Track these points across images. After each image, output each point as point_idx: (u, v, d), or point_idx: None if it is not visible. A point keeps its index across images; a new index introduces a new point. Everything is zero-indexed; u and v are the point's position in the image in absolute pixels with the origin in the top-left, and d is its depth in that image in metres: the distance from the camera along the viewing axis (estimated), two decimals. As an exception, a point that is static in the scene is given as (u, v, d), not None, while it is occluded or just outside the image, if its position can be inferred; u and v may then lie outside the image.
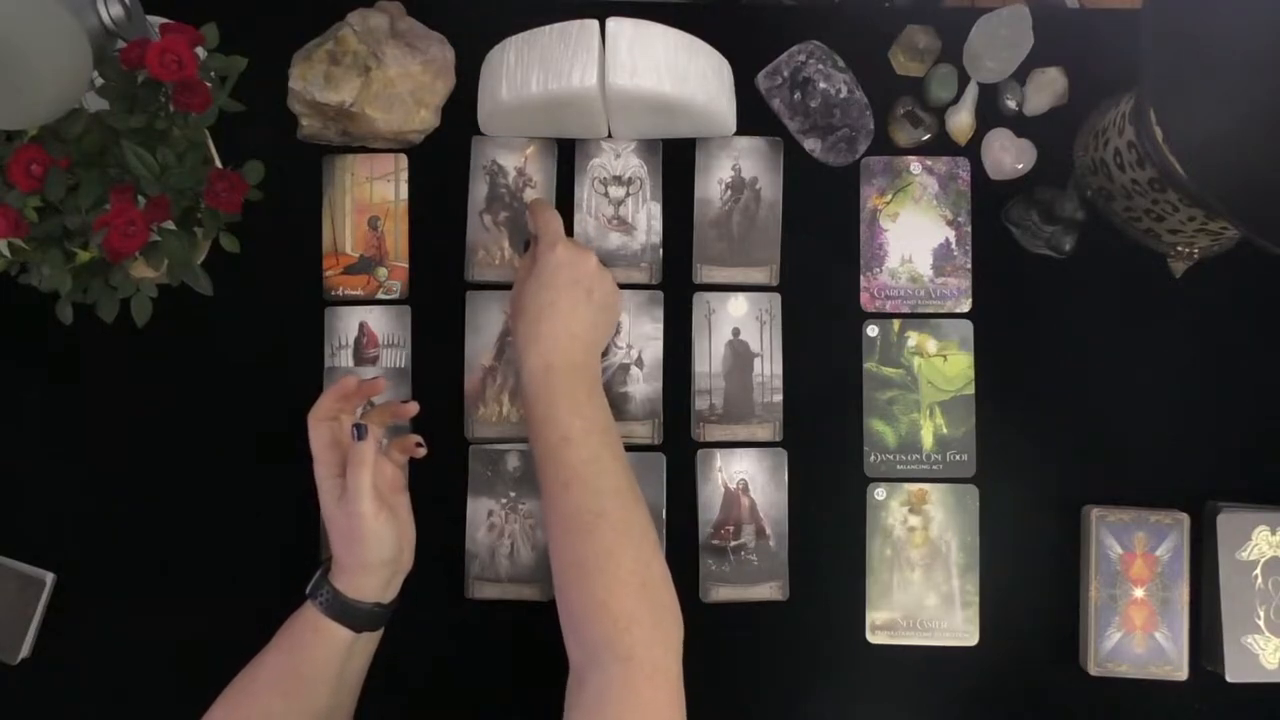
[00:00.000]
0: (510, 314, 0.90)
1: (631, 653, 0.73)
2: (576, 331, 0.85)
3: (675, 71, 0.88)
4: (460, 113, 0.96)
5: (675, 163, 0.96)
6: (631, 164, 0.94)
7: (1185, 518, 0.91)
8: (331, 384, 0.88)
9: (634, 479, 0.81)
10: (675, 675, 0.74)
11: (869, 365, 0.95)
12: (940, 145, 0.97)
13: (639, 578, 0.76)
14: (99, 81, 0.80)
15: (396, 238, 0.96)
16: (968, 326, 0.95)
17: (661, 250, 0.96)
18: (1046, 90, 0.96)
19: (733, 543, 0.94)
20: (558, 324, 0.84)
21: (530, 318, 0.85)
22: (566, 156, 0.97)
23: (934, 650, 0.93)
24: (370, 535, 0.79)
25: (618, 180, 0.93)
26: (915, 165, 0.97)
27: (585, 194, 0.96)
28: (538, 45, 0.89)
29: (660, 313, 0.95)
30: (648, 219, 0.96)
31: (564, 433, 0.80)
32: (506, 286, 0.96)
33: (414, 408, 0.87)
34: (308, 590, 0.82)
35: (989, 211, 0.96)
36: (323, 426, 0.82)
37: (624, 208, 0.95)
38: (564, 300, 0.85)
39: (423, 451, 0.87)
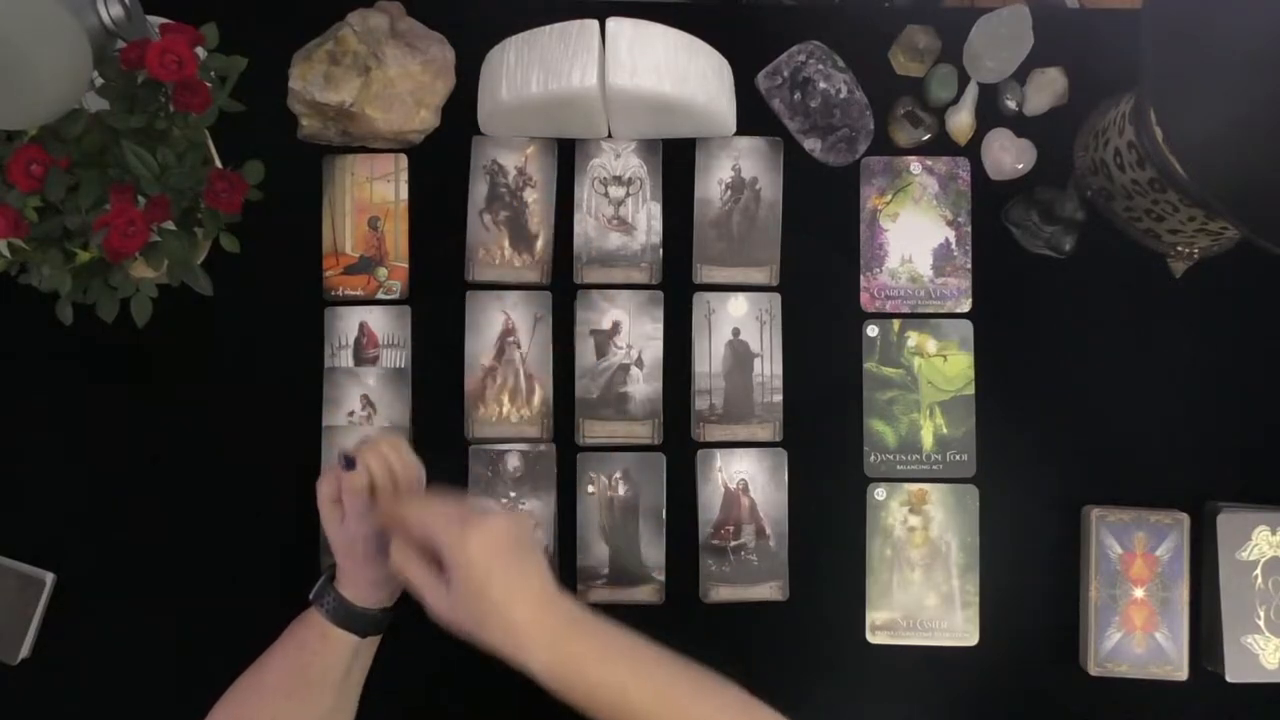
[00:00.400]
0: (463, 633, 0.75)
1: None
2: (535, 602, 0.74)
3: (675, 71, 0.88)
4: (460, 113, 0.96)
5: (675, 163, 0.96)
6: (631, 164, 0.94)
7: (1185, 518, 0.91)
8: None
9: (689, 669, 0.75)
10: None
11: (869, 365, 0.95)
12: (940, 145, 0.97)
13: None
14: (99, 81, 0.80)
15: (396, 238, 0.96)
16: (968, 326, 0.95)
17: (661, 250, 0.96)
18: (1046, 90, 0.96)
19: (733, 543, 0.94)
20: (522, 605, 0.73)
21: (494, 625, 0.73)
22: (566, 156, 0.97)
23: (934, 650, 0.93)
24: (373, 555, 0.80)
25: (618, 180, 0.93)
26: (915, 165, 0.97)
27: (585, 194, 0.96)
28: (538, 45, 0.89)
29: (660, 313, 0.95)
30: (648, 219, 0.96)
31: (619, 687, 0.73)
32: (506, 286, 0.96)
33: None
34: (311, 596, 0.82)
35: (989, 211, 0.96)
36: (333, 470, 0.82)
37: (624, 208, 0.95)
38: (500, 583, 0.73)
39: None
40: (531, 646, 0.72)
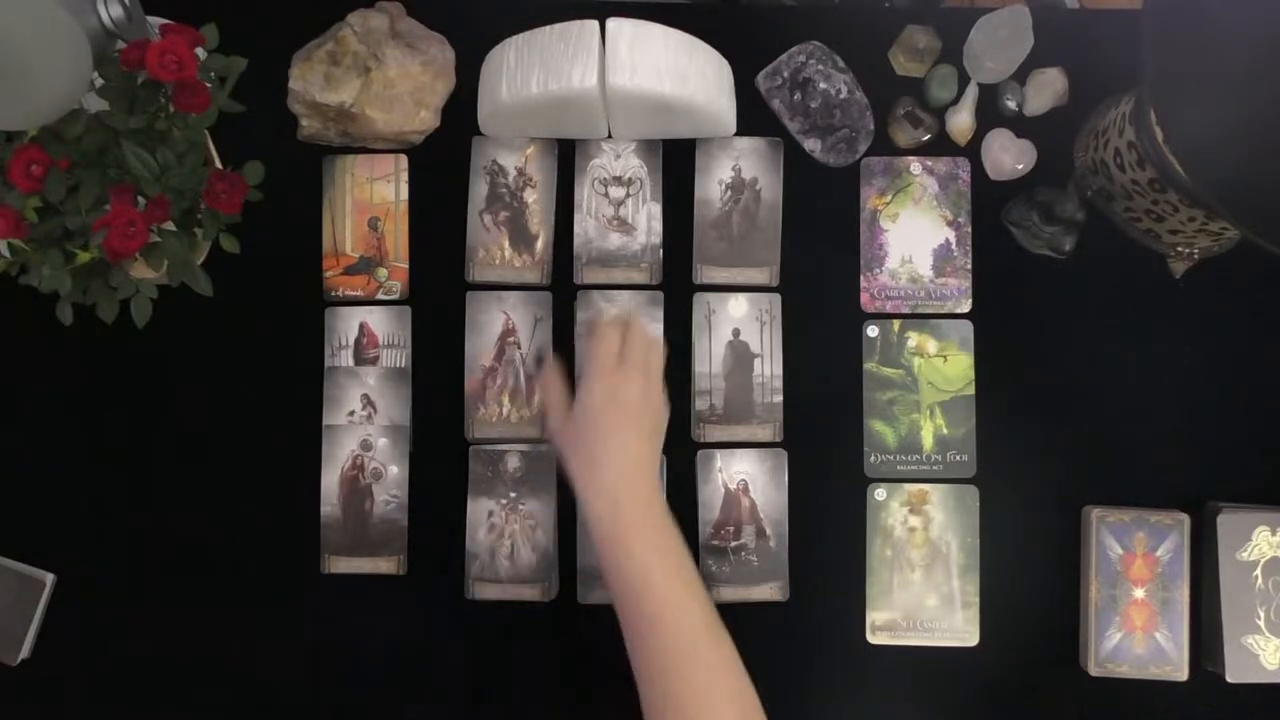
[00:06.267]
0: (559, 455, 0.88)
1: None
2: (635, 467, 0.83)
3: (675, 71, 0.88)
4: (460, 113, 0.96)
5: (675, 163, 0.96)
6: (631, 164, 0.94)
7: (1185, 518, 0.91)
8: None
9: (715, 609, 0.79)
10: None
11: (869, 366, 0.95)
12: (940, 145, 0.97)
13: (736, 706, 0.76)
14: (99, 82, 0.80)
15: (396, 238, 0.96)
16: (968, 327, 0.95)
17: (661, 250, 0.96)
18: (1046, 90, 0.96)
19: (733, 543, 0.94)
20: (615, 465, 0.82)
21: (582, 462, 0.83)
22: (566, 156, 0.97)
23: (934, 651, 0.93)
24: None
25: (618, 181, 0.93)
26: (915, 166, 0.97)
27: (585, 194, 0.96)
28: (538, 45, 0.89)
29: (660, 313, 0.95)
30: (648, 219, 0.96)
31: (645, 572, 0.78)
32: (506, 287, 0.96)
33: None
34: None
35: (989, 212, 0.96)
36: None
37: (624, 208, 0.95)
38: (613, 438, 0.83)
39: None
40: (597, 497, 0.81)
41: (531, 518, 0.94)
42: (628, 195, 0.95)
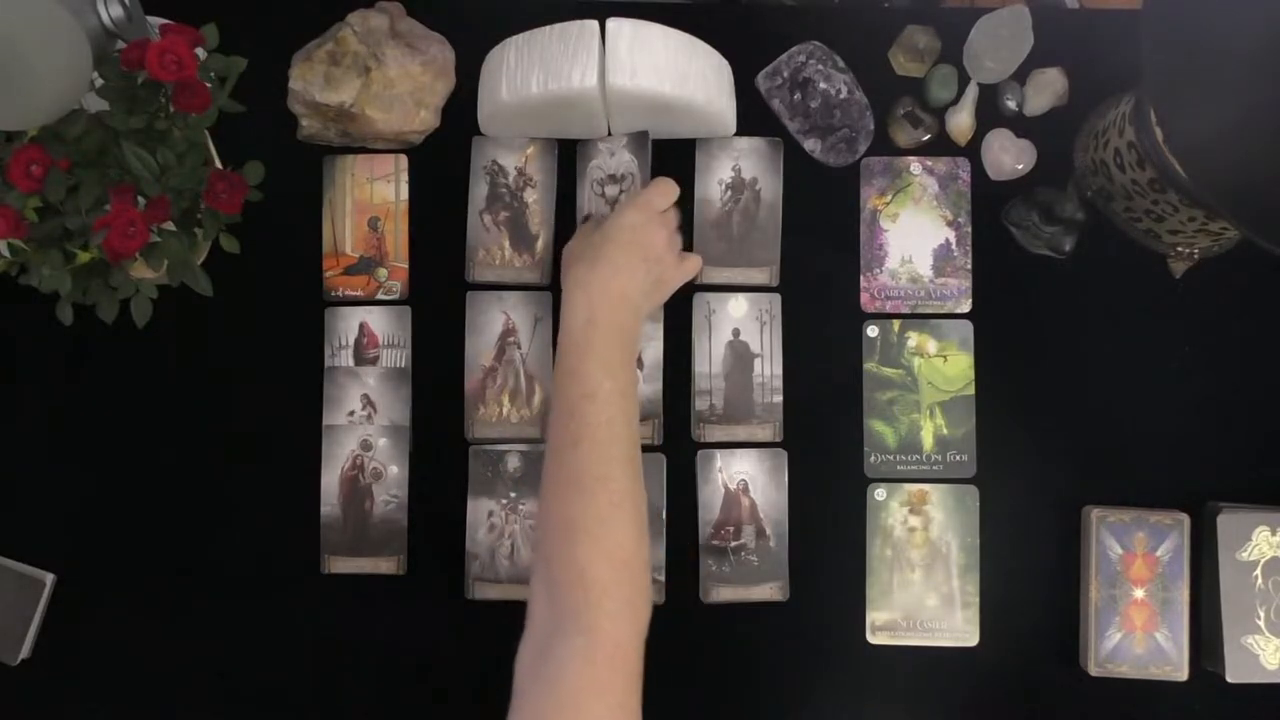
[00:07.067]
0: (564, 259, 0.89)
1: (597, 625, 0.71)
2: (628, 292, 0.84)
3: (675, 71, 0.88)
4: (460, 113, 0.96)
5: (675, 163, 0.96)
6: (624, 160, 0.94)
7: (1185, 518, 0.91)
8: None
9: (640, 455, 0.80)
10: (636, 658, 0.72)
11: (869, 366, 0.95)
12: (940, 146, 0.97)
13: (625, 552, 0.75)
14: (99, 82, 0.80)
15: (396, 238, 0.96)
16: (968, 327, 0.95)
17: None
18: (1046, 90, 0.96)
19: (733, 543, 0.94)
20: (611, 280, 0.83)
21: (584, 264, 0.84)
22: (567, 156, 0.97)
23: (934, 651, 0.93)
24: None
25: (613, 179, 0.93)
26: (915, 166, 0.97)
27: (586, 197, 0.96)
28: (538, 45, 0.89)
29: (660, 313, 0.95)
30: None
31: (589, 389, 0.79)
32: (506, 287, 0.96)
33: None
34: None
35: (989, 212, 0.96)
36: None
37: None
38: (622, 258, 0.84)
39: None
40: (582, 292, 0.83)
41: (531, 518, 0.94)
42: (621, 192, 0.95)
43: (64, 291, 0.81)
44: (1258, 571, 0.90)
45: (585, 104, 0.89)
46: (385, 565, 0.94)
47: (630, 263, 0.84)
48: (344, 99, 0.93)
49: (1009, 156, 0.96)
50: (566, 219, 0.96)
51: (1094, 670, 0.90)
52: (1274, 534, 0.90)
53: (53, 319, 0.83)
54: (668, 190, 0.89)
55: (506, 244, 0.96)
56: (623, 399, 0.80)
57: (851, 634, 0.93)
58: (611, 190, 0.93)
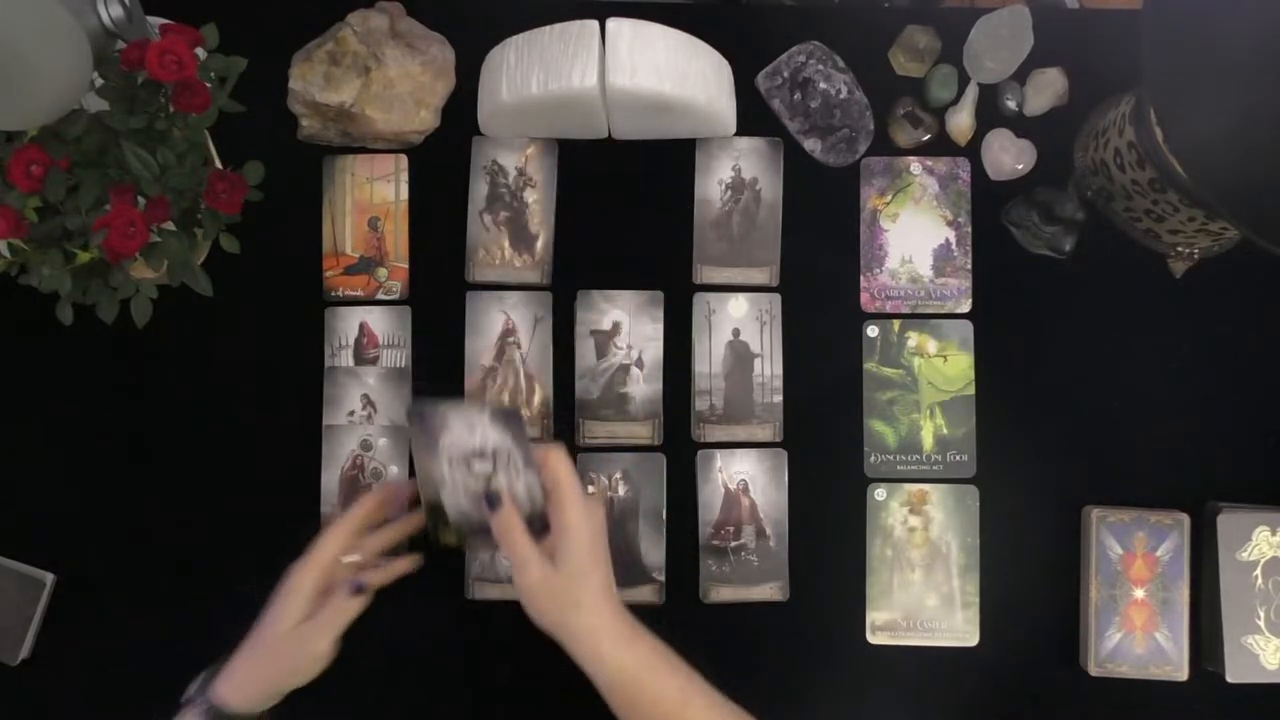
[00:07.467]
0: (540, 610, 0.73)
1: None
2: (615, 601, 0.74)
3: (675, 71, 0.88)
4: (460, 113, 0.96)
5: (675, 163, 0.96)
6: (491, 437, 0.78)
7: (1185, 518, 0.91)
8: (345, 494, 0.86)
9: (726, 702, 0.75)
10: None
11: (869, 366, 0.95)
12: (940, 145, 0.97)
13: None
14: (99, 82, 0.80)
15: (396, 238, 0.96)
16: (968, 327, 0.95)
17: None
18: (1046, 90, 0.96)
19: (733, 543, 0.94)
20: (608, 609, 0.73)
21: (587, 612, 0.72)
22: (567, 156, 0.96)
23: (934, 651, 0.93)
24: (306, 672, 0.76)
25: (480, 455, 0.77)
26: (915, 165, 0.97)
27: (446, 475, 0.76)
28: (538, 45, 0.89)
29: (660, 313, 0.95)
30: (526, 488, 0.78)
31: (680, 701, 0.73)
32: (507, 287, 0.96)
33: (409, 564, 0.82)
34: (186, 696, 0.78)
35: (989, 212, 0.96)
36: (322, 566, 0.77)
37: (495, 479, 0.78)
38: (600, 579, 0.74)
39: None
40: (612, 643, 0.71)
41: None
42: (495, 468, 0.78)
43: (64, 291, 0.81)
44: (1258, 571, 0.90)
45: (585, 104, 0.89)
46: (385, 565, 0.93)
47: (606, 572, 0.74)
48: (344, 99, 0.93)
49: (1009, 156, 0.96)
50: (567, 219, 0.96)
51: (1094, 670, 0.90)
52: (1274, 534, 0.90)
53: (53, 319, 0.83)
54: (594, 508, 0.75)
55: (506, 244, 0.96)
56: (691, 683, 0.74)
57: (851, 634, 0.93)
58: (481, 467, 0.77)
